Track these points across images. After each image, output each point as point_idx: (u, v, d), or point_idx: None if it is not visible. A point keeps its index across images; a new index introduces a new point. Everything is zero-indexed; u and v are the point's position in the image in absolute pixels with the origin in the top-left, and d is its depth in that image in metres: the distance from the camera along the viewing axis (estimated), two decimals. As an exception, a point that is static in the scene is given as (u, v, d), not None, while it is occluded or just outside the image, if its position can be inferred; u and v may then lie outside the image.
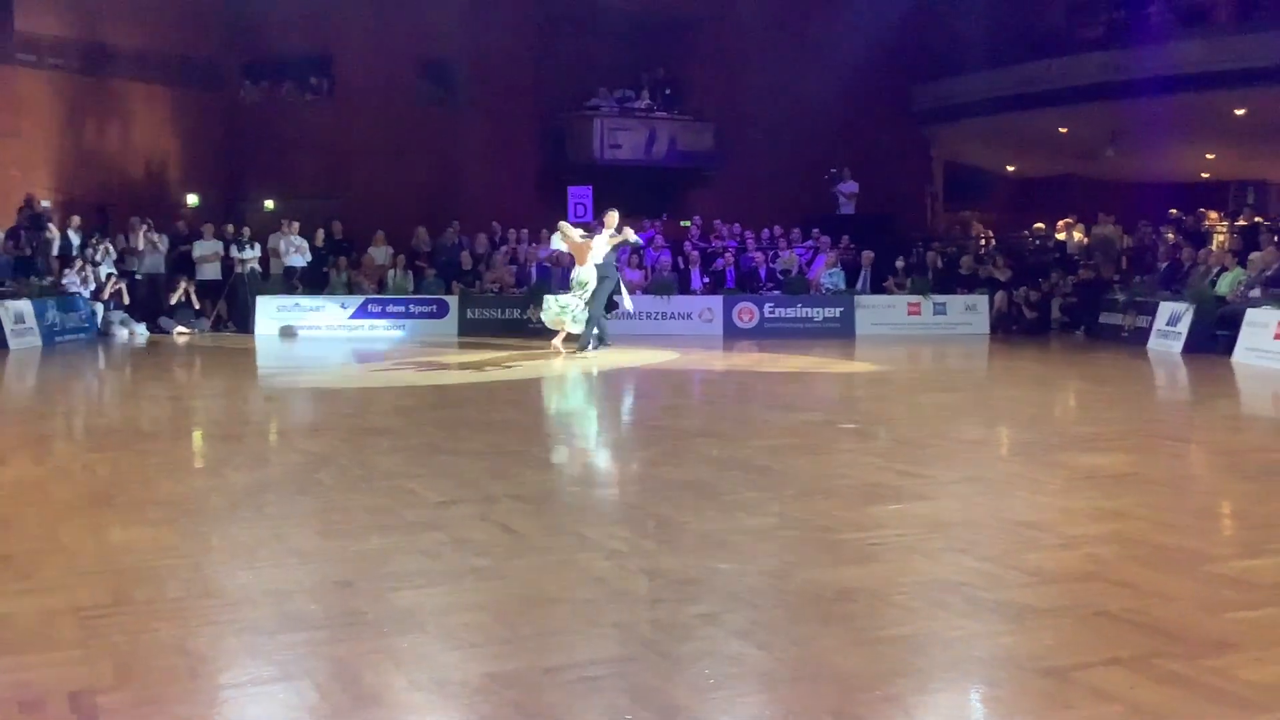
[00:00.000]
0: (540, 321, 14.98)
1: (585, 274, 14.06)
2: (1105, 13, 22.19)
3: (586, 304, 14.03)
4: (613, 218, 14.52)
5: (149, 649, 3.52)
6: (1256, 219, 20.43)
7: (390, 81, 21.65)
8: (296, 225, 19.29)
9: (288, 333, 17.78)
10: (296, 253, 19.00)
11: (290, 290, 18.57)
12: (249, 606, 3.94)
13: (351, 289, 18.73)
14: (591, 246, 14.14)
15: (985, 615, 3.85)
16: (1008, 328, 18.45)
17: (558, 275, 19.14)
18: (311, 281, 18.83)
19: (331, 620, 3.79)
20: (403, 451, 7.25)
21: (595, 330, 14.29)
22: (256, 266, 18.88)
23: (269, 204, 21.41)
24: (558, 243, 15.09)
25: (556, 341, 14.30)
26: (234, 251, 18.75)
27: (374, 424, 8.76)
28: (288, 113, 21.96)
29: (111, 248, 18.21)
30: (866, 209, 22.89)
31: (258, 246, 19.04)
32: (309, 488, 6.05)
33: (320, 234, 19.61)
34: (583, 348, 14.16)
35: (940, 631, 3.70)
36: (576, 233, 14.50)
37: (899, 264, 19.70)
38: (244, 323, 18.23)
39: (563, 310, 14.10)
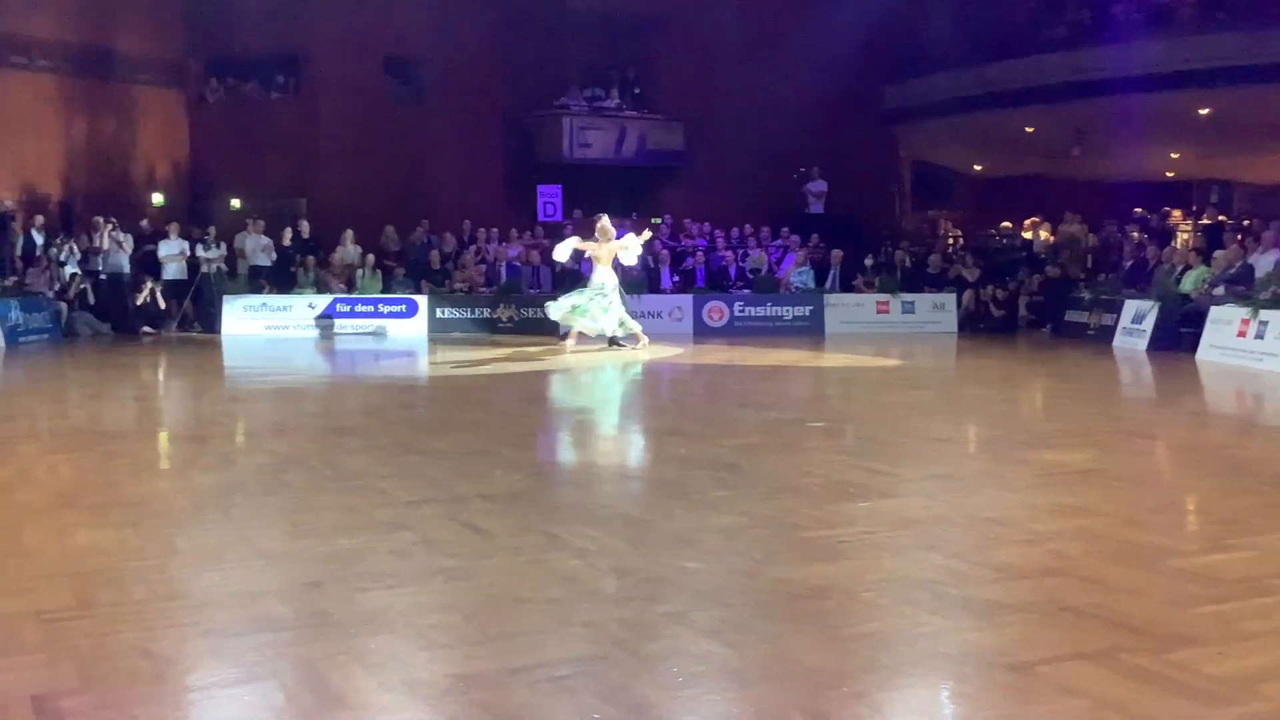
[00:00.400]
0: (544, 315, 15.15)
1: (605, 277, 14.36)
2: (1070, 13, 22.35)
3: (606, 308, 14.26)
4: (606, 222, 14.73)
5: (113, 652, 3.48)
6: (1220, 217, 20.69)
7: (358, 80, 21.51)
8: (262, 224, 19.15)
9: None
10: (262, 252, 18.86)
11: (257, 290, 18.44)
12: (215, 608, 3.91)
13: (319, 288, 18.62)
14: (625, 247, 14.52)
15: (952, 611, 3.87)
16: (975, 326, 18.57)
17: (528, 274, 19.12)
18: (279, 281, 18.71)
19: (299, 621, 3.77)
20: (372, 451, 7.22)
21: (623, 328, 14.55)
22: (222, 266, 18.73)
23: (235, 203, 21.22)
24: (563, 255, 15.16)
25: (569, 342, 14.58)
26: (199, 251, 18.59)
27: (343, 423, 8.71)
28: (254, 111, 21.78)
29: (75, 247, 18.02)
30: (835, 208, 22.99)
31: (223, 246, 18.89)
32: (277, 488, 6.01)
33: (287, 233, 19.48)
34: (621, 343, 14.52)
35: (908, 628, 3.72)
36: (594, 241, 14.65)
37: (868, 262, 19.80)
38: (210, 323, 18.09)
39: (574, 310, 14.34)
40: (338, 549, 4.68)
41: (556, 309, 14.52)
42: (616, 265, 14.79)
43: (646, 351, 14.44)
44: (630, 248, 14.63)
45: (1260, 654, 3.43)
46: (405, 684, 3.24)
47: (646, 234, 15.30)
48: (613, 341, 14.67)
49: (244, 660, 3.42)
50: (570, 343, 14.58)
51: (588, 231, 15.22)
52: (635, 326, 14.72)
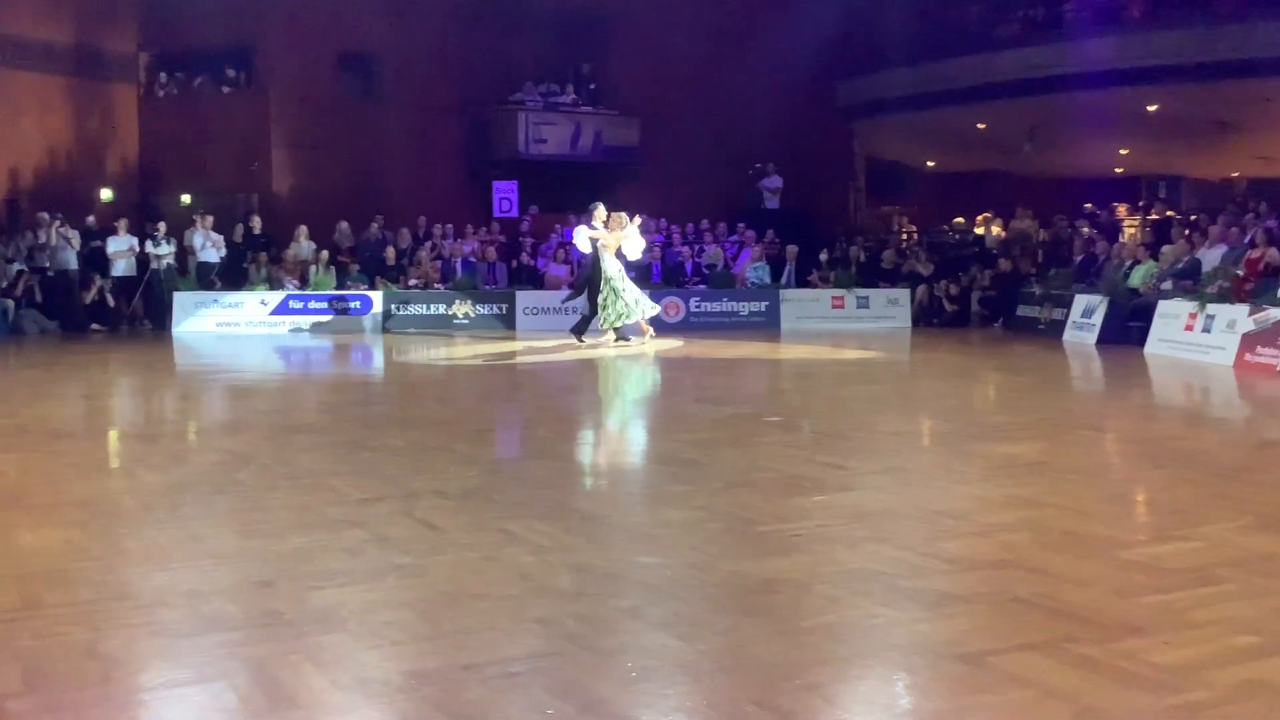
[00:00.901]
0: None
1: (612, 266, 14.44)
2: (1022, 10, 22.56)
3: (607, 299, 14.34)
4: (602, 211, 14.73)
5: (59, 653, 3.44)
6: (1168, 213, 20.98)
7: (311, 74, 21.33)
8: (210, 220, 18.92)
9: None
10: (212, 248, 18.64)
11: (208, 287, 18.25)
12: (164, 609, 3.87)
13: (272, 285, 18.45)
14: (625, 237, 14.51)
15: (904, 603, 3.90)
16: (929, 321, 18.73)
17: (484, 270, 19.04)
18: (230, 277, 18.52)
19: (249, 621, 3.73)
20: (325, 449, 7.17)
21: (626, 318, 14.52)
22: (173, 263, 18.51)
23: (185, 199, 20.96)
24: (584, 245, 15.10)
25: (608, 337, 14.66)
26: (149, 247, 18.36)
27: (296, 421, 8.64)
28: (205, 106, 21.49)
29: (21, 244, 17.74)
30: (791, 204, 23.08)
31: (174, 242, 18.66)
32: (228, 487, 5.95)
33: (239, 229, 19.29)
34: (625, 338, 14.58)
35: (860, 620, 3.75)
36: (603, 231, 14.63)
37: (823, 258, 19.91)
38: (161, 320, 17.88)
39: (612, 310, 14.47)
40: (289, 548, 4.64)
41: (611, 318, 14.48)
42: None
43: (652, 345, 14.59)
44: (632, 238, 14.66)
45: (1205, 643, 3.49)
46: (357, 682, 3.22)
47: (638, 219, 15.25)
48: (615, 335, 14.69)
49: (194, 661, 3.38)
50: (650, 332, 14.77)
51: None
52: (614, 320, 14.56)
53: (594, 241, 14.65)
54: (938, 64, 22.00)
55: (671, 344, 15.19)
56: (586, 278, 14.88)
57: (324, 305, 18.15)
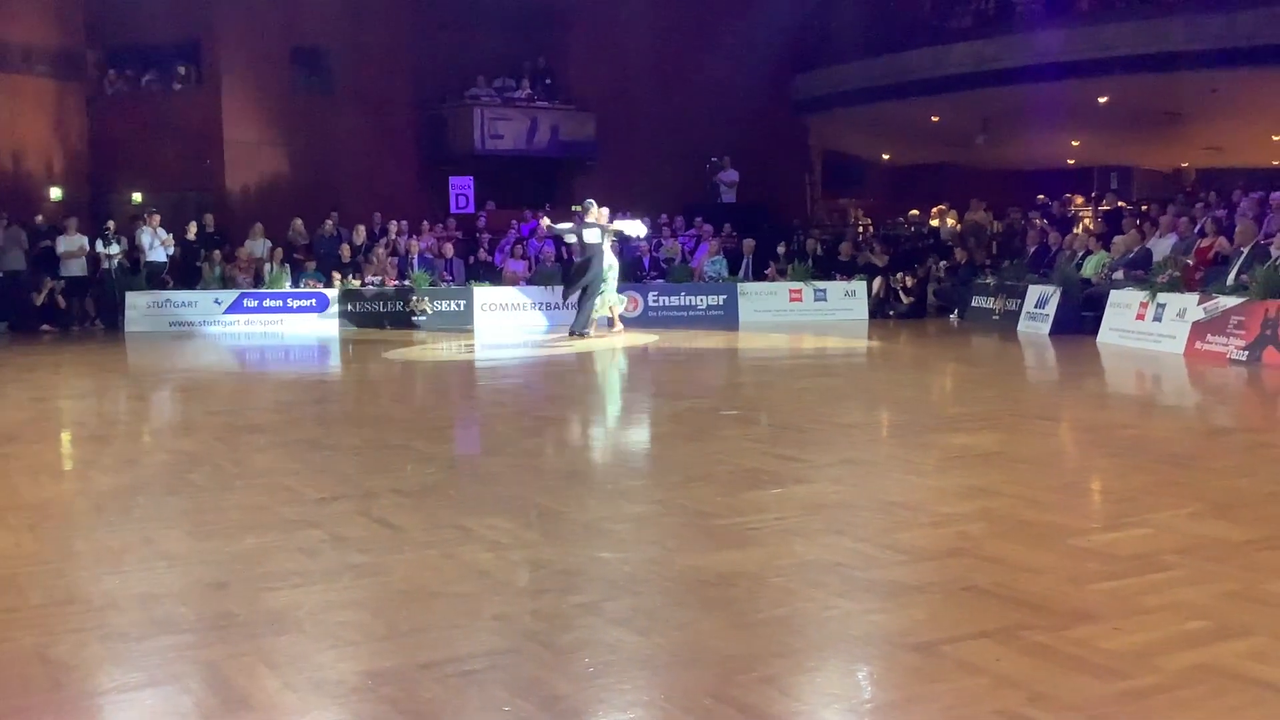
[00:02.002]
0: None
1: (610, 260, 15.16)
2: (973, 3, 22.76)
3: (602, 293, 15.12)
4: (595, 209, 15.37)
5: (8, 658, 3.38)
6: (1119, 203, 21.25)
7: (263, 70, 21.11)
8: (158, 218, 18.71)
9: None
10: (161, 246, 18.42)
11: (160, 286, 18.04)
12: (115, 612, 3.82)
13: (226, 283, 18.27)
14: (621, 227, 15.39)
15: (859, 594, 3.93)
16: (885, 313, 18.85)
17: (440, 267, 18.95)
18: (183, 276, 18.32)
19: (202, 623, 3.70)
20: (280, 448, 7.11)
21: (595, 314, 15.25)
22: (124, 262, 18.28)
23: (136, 197, 20.70)
24: (594, 235, 15.49)
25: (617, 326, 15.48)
26: (100, 247, 18.13)
27: (251, 421, 8.56)
28: (155, 102, 21.24)
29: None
30: (747, 197, 23.15)
31: (125, 241, 18.43)
32: (180, 488, 5.89)
33: (192, 227, 19.08)
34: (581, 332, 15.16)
35: (816, 612, 3.77)
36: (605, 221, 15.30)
37: (780, 251, 19.98)
38: (112, 320, 17.65)
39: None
40: (243, 548, 4.60)
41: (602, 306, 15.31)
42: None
43: (622, 337, 15.17)
44: (630, 223, 15.64)
45: (1155, 628, 3.53)
46: (312, 683, 3.20)
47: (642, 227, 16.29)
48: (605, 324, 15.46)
49: (145, 664, 3.34)
50: (618, 327, 15.50)
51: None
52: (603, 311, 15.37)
53: (603, 230, 15.20)
54: (891, 57, 22.17)
55: (648, 338, 15.44)
56: (589, 273, 15.21)
57: (279, 303, 17.99)
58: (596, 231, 15.19)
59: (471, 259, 19.51)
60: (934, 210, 22.70)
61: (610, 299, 15.36)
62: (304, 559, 4.43)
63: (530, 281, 18.69)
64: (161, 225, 18.67)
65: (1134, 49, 19.02)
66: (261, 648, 3.46)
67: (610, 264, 15.21)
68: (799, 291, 18.95)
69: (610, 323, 15.50)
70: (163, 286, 18.02)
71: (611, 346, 14.32)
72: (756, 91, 22.73)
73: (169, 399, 10.54)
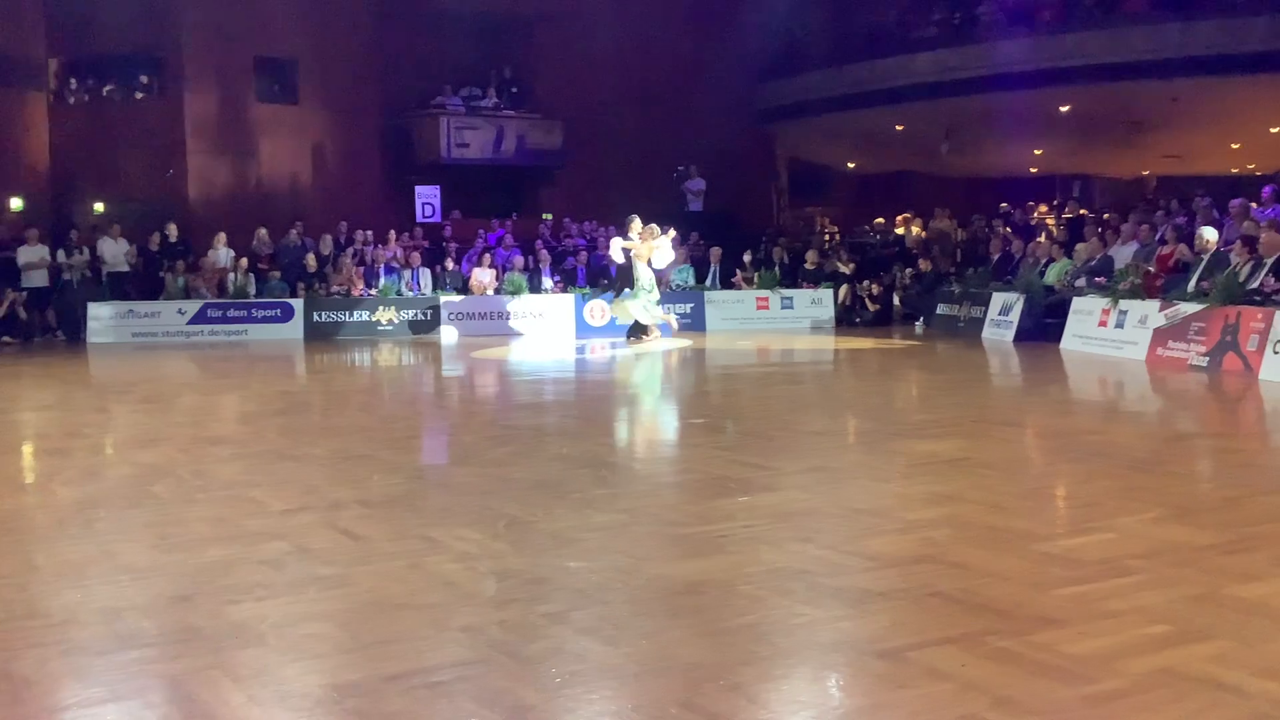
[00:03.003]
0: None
1: (646, 274, 15.62)
2: (937, 13, 22.94)
3: (646, 305, 15.73)
4: (638, 224, 15.77)
5: (-33, 676, 3.34)
6: (1081, 211, 21.44)
7: (226, 79, 20.96)
8: (117, 228, 18.52)
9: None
10: (124, 257, 18.24)
11: (122, 297, 17.87)
12: (76, 627, 3.78)
13: (189, 293, 18.11)
14: (656, 248, 15.68)
15: (826, 601, 3.94)
16: (852, 320, 18.94)
17: (407, 276, 18.86)
18: (146, 287, 18.15)
19: (165, 637, 3.66)
20: (245, 459, 7.06)
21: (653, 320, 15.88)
22: (86, 273, 18.09)
23: (99, 207, 20.49)
24: (617, 253, 16.02)
25: (641, 335, 15.88)
26: (61, 257, 17.93)
27: (214, 432, 8.50)
28: (117, 112, 21.04)
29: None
30: (714, 206, 23.21)
31: (87, 251, 18.24)
32: (143, 501, 5.83)
33: (156, 237, 18.91)
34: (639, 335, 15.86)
35: (783, 619, 3.77)
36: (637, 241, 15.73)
37: (746, 259, 20.04)
38: (74, 331, 17.47)
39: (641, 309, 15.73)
40: (207, 561, 4.56)
41: (621, 312, 16.05)
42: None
43: (663, 342, 15.77)
44: (663, 248, 15.80)
45: (1118, 632, 3.56)
46: (276, 697, 3.17)
47: (671, 232, 16.29)
48: (636, 331, 15.90)
49: (107, 679, 3.31)
50: (643, 335, 15.90)
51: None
52: (652, 320, 15.93)
53: (627, 251, 15.70)
54: (856, 66, 22.30)
55: (682, 343, 16.10)
56: (622, 284, 16.07)
57: (243, 314, 17.86)
58: (618, 248, 15.79)
59: (439, 268, 19.45)
60: (899, 218, 22.84)
61: (647, 308, 15.81)
62: (268, 571, 4.40)
63: (497, 290, 18.66)
64: (123, 235, 18.49)
65: (1095, 58, 19.24)
66: (225, 661, 3.43)
67: (648, 277, 15.70)
68: (766, 299, 19.02)
69: (646, 330, 15.99)
70: (125, 297, 17.84)
71: (646, 351, 15.00)
72: (723, 100, 22.80)
73: (131, 410, 10.42)
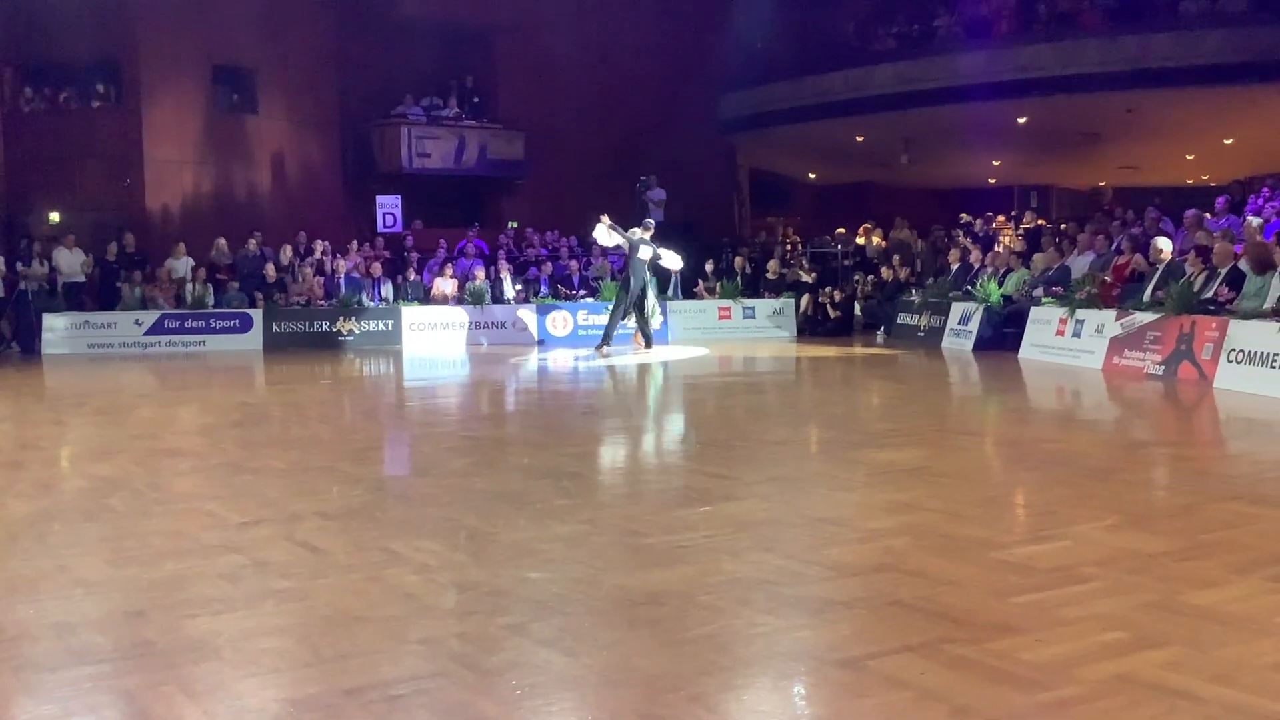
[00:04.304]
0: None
1: (642, 281, 15.80)
2: (896, 25, 23.14)
3: (652, 309, 15.94)
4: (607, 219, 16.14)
5: (-86, 695, 3.28)
6: (1039, 222, 21.67)
7: (184, 88, 20.76)
8: (72, 238, 18.30)
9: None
10: (80, 267, 18.01)
11: (78, 307, 17.65)
12: (28, 642, 3.72)
13: (146, 304, 17.91)
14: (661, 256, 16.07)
15: (786, 610, 3.95)
16: (814, 330, 19.01)
17: (368, 286, 18.76)
18: (103, 297, 17.94)
19: (119, 652, 3.61)
20: (202, 472, 6.99)
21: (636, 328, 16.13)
22: (43, 283, 17.86)
23: (54, 217, 20.23)
24: (604, 235, 16.48)
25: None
26: (18, 267, 17.70)
27: (171, 444, 8.40)
28: (73, 120, 20.77)
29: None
30: (676, 216, 23.21)
31: (44, 262, 18.01)
32: (98, 514, 5.75)
33: (112, 247, 18.70)
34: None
35: (743, 629, 3.78)
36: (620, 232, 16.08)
37: (708, 268, 20.09)
38: (29, 343, 17.23)
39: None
40: (162, 575, 4.51)
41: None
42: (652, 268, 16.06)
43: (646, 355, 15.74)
44: (670, 253, 16.34)
45: (1075, 640, 3.60)
46: (232, 712, 3.14)
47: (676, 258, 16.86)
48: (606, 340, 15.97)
49: (60, 695, 3.26)
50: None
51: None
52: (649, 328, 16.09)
53: (626, 258, 15.96)
54: (816, 78, 22.43)
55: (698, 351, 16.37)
56: (633, 293, 15.91)
57: (202, 324, 17.69)
58: (649, 250, 15.88)
59: (400, 278, 19.36)
60: (860, 228, 22.96)
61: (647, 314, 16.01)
62: (225, 585, 4.36)
63: (458, 301, 18.60)
64: (81, 246, 18.27)
65: (1051, 70, 19.46)
66: (181, 676, 3.39)
67: (645, 281, 15.83)
68: (728, 309, 19.07)
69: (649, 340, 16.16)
70: (81, 307, 17.63)
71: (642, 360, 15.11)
72: (684, 111, 22.87)
73: (86, 422, 10.29)
